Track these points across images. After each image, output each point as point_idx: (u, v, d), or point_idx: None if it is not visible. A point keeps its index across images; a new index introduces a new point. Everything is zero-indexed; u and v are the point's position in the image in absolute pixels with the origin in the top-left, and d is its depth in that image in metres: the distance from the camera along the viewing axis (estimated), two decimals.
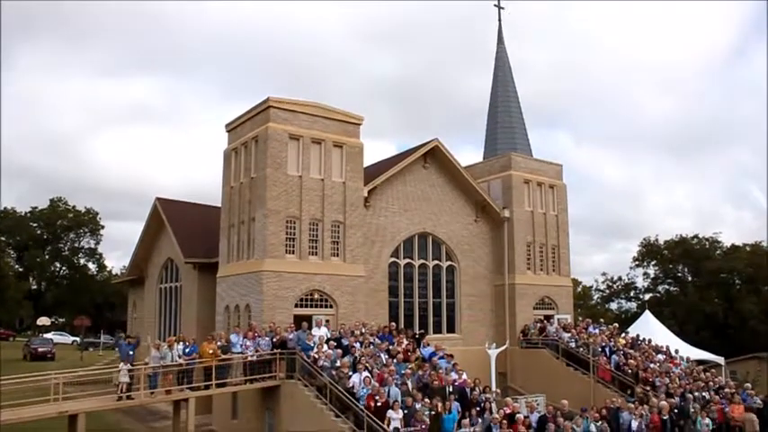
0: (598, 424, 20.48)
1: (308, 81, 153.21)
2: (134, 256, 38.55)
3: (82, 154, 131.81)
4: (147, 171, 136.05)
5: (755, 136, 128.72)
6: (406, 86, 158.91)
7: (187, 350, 21.62)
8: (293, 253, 25.63)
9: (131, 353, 20.79)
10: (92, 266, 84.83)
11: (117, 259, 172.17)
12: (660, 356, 30.29)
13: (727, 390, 26.44)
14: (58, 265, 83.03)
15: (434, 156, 32.13)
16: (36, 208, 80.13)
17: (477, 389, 21.47)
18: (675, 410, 22.66)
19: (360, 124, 28.14)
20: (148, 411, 28.33)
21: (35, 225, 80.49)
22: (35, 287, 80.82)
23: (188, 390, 21.00)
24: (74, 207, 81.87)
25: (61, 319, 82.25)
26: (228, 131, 28.83)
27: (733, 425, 23.96)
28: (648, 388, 25.32)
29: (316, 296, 25.99)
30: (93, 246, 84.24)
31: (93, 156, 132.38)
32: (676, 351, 32.08)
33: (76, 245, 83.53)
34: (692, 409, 23.26)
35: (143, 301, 38.37)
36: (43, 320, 64.05)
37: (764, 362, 50.34)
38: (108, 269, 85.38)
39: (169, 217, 33.57)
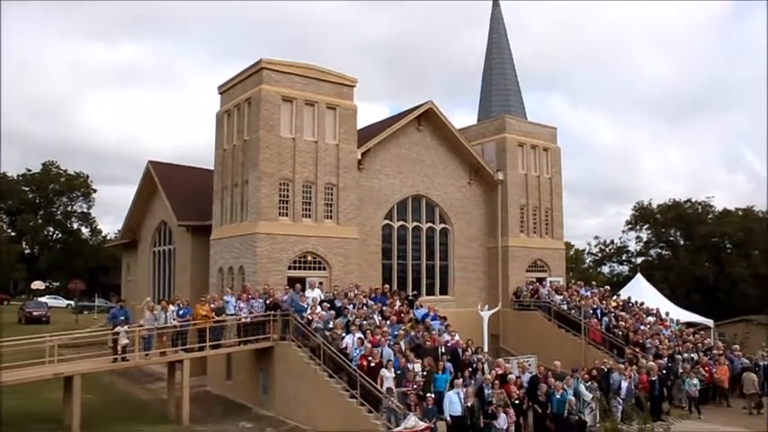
0: (588, 384, 20.80)
1: (301, 43, 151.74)
2: (127, 219, 38.49)
3: (73, 118, 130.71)
4: (139, 135, 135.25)
5: (751, 99, 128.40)
6: (400, 49, 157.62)
7: (181, 312, 21.73)
8: (286, 215, 25.61)
9: (123, 318, 20.81)
10: (85, 231, 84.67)
11: (110, 223, 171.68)
12: (650, 319, 30.63)
13: (715, 351, 26.87)
14: (51, 229, 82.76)
15: (428, 118, 31.97)
16: (29, 171, 79.67)
17: (469, 350, 21.73)
18: (664, 371, 23.03)
19: (353, 86, 27.91)
20: (143, 373, 28.60)
21: (27, 189, 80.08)
22: (28, 251, 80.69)
23: (182, 351, 21.13)
24: (66, 171, 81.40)
25: (55, 283, 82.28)
26: (221, 93, 28.58)
27: (719, 385, 24.45)
28: (638, 349, 25.64)
29: (309, 258, 26.03)
30: (85, 210, 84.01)
31: (84, 120, 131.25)
32: (667, 313, 32.43)
33: (69, 209, 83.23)
34: (681, 370, 23.68)
35: (137, 265, 38.45)
36: (37, 284, 64.04)
37: (752, 324, 51.08)
38: (101, 233, 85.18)
39: (162, 180, 33.46)
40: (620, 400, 20.40)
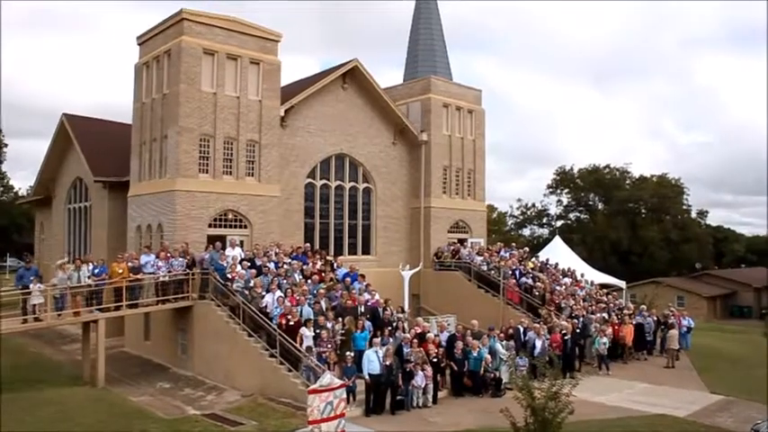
0: (504, 343, 21.36)
1: None
2: (40, 175, 36.96)
3: None
4: (53, 85, 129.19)
5: (673, 68, 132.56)
6: (333, 4, 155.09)
7: (96, 271, 21.09)
8: (207, 172, 25.02)
9: (33, 277, 20.01)
10: None
11: (23, 179, 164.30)
12: (566, 280, 31.54)
13: (626, 311, 28.05)
14: None
15: (354, 76, 31.63)
16: None
17: (388, 309, 21.90)
18: (577, 330, 23.87)
19: (278, 41, 27.28)
20: (57, 334, 27.81)
21: None
22: None
23: (97, 311, 20.60)
24: None
25: None
26: (140, 45, 27.44)
27: (622, 343, 25.74)
28: (554, 309, 26.44)
29: (230, 216, 25.59)
30: None
31: None
32: (582, 275, 33.49)
33: None
34: (593, 329, 24.59)
35: (51, 223, 37.08)
36: None
37: (662, 286, 53.67)
38: (13, 189, 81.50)
39: (77, 134, 32.18)
40: (525, 358, 20.84)
